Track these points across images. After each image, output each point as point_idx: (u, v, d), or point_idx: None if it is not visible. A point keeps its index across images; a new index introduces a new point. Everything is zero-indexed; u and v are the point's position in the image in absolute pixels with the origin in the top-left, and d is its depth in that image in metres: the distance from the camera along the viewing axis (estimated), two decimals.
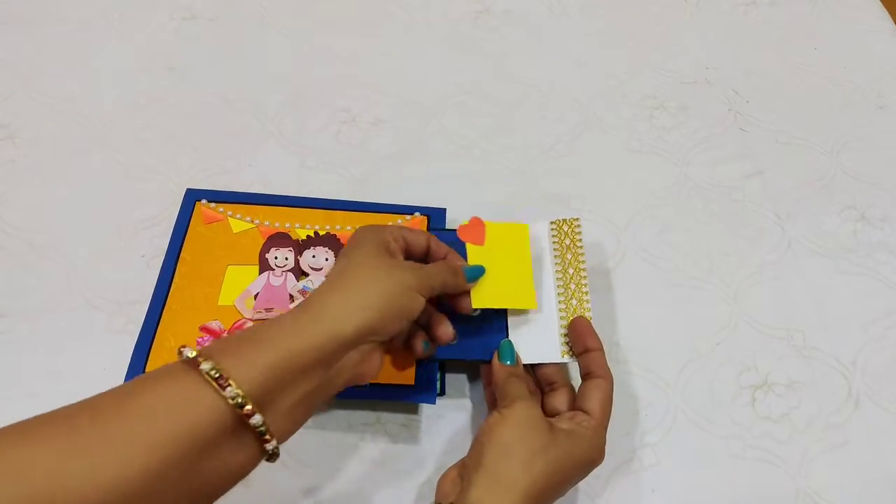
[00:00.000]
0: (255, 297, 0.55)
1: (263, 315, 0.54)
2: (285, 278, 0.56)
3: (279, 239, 0.58)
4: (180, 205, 0.60)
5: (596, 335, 0.51)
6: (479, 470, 0.43)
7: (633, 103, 0.73)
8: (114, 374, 0.52)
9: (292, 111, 0.70)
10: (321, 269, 0.57)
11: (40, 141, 0.67)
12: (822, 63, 0.77)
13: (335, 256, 0.57)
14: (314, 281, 0.56)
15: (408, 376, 0.52)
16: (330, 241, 0.58)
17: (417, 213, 0.61)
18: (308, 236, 0.58)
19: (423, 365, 0.53)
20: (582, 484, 0.51)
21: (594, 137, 0.70)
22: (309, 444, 0.52)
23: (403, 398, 0.52)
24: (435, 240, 0.51)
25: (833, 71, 0.77)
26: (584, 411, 0.47)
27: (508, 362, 0.50)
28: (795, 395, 0.55)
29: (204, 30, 0.77)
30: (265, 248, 0.58)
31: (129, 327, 0.56)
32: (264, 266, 0.57)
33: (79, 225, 0.61)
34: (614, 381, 0.49)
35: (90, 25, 0.76)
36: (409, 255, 0.50)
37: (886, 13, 0.82)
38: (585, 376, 0.50)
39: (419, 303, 0.45)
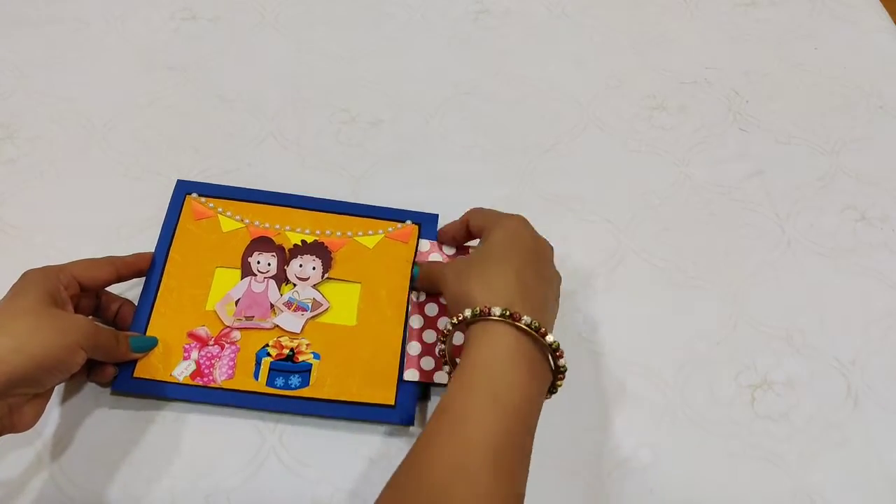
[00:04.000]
0: (237, 302, 0.55)
1: (243, 323, 0.54)
2: (267, 285, 0.55)
3: (262, 243, 0.57)
4: (170, 196, 0.59)
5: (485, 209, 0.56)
6: (456, 299, 0.48)
7: (632, 103, 0.73)
8: None
9: (292, 111, 0.70)
10: (308, 278, 0.56)
11: (40, 141, 0.67)
12: (822, 63, 0.77)
13: (322, 265, 0.57)
14: (300, 291, 0.55)
15: (388, 396, 0.52)
16: (318, 249, 0.57)
17: (409, 222, 0.60)
18: (296, 245, 0.57)
19: (403, 385, 0.53)
20: (582, 484, 0.51)
21: (594, 137, 0.70)
22: (308, 443, 0.52)
23: (381, 419, 0.52)
24: (109, 296, 0.54)
25: (833, 71, 0.77)
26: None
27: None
28: (795, 394, 0.55)
29: (204, 30, 0.77)
30: (248, 252, 0.57)
31: None
32: (246, 270, 0.56)
33: (79, 225, 0.61)
34: (612, 382, 0.51)
35: (90, 25, 0.76)
36: (85, 291, 0.51)
37: (886, 13, 0.82)
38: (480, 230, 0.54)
39: (81, 358, 0.45)
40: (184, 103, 0.71)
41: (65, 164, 0.65)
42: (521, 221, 0.52)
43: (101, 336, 0.47)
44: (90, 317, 0.53)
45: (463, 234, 0.57)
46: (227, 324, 0.54)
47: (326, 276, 0.56)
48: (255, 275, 0.56)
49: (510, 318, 0.44)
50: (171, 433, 0.52)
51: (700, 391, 0.55)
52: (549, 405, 0.48)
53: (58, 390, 0.52)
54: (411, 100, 0.72)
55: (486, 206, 0.61)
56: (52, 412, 0.52)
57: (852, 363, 0.57)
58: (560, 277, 0.53)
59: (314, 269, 0.56)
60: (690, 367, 0.57)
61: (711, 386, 0.56)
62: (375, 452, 0.52)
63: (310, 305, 0.55)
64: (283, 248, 0.57)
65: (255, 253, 0.57)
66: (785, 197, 0.67)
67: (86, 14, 0.77)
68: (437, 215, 0.61)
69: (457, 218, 0.57)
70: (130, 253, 0.55)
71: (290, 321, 0.54)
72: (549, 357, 0.46)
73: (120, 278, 0.53)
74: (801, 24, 0.81)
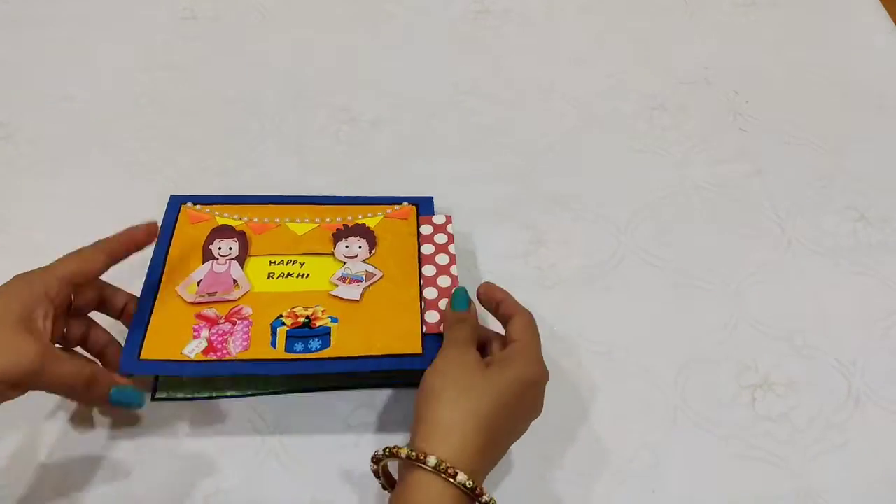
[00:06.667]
0: (198, 283, 0.55)
1: (206, 298, 0.54)
2: (229, 266, 0.56)
3: (222, 231, 0.58)
4: (164, 211, 0.59)
5: (499, 288, 0.52)
6: (417, 421, 0.44)
7: (633, 103, 0.73)
8: None
9: (292, 110, 0.70)
10: (356, 256, 0.57)
11: (40, 141, 0.67)
12: (822, 63, 0.77)
13: (367, 244, 0.58)
14: (351, 268, 0.56)
15: (415, 346, 0.52)
16: (360, 230, 0.59)
17: (405, 203, 0.61)
18: (338, 228, 0.59)
19: (426, 336, 0.52)
20: (582, 484, 0.51)
21: (594, 137, 0.70)
22: (308, 444, 0.52)
23: (410, 366, 0.51)
24: (111, 289, 0.52)
25: (833, 71, 0.77)
26: (512, 341, 0.49)
27: (460, 309, 0.51)
28: (795, 394, 0.55)
29: (204, 29, 0.77)
30: (208, 241, 0.57)
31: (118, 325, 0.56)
32: (207, 256, 0.56)
33: (78, 224, 0.61)
34: (613, 382, 0.50)
35: (90, 25, 0.76)
36: (81, 288, 0.50)
37: (886, 13, 0.82)
38: (506, 320, 0.51)
39: (12, 391, 0.44)
40: (184, 103, 0.71)
41: (64, 164, 0.65)
42: (539, 372, 0.48)
43: (64, 378, 0.45)
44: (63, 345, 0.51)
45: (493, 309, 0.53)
46: (188, 300, 0.54)
47: (374, 251, 0.58)
48: (217, 258, 0.56)
49: (444, 473, 0.41)
50: (171, 433, 0.52)
51: (701, 392, 0.55)
52: (549, 405, 0.48)
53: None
54: (411, 100, 0.72)
55: (486, 207, 0.62)
56: (50, 412, 0.52)
57: (853, 364, 0.57)
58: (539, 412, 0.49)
59: (360, 247, 0.58)
60: (691, 368, 0.56)
61: (712, 386, 0.56)
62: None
63: (363, 276, 0.56)
64: (245, 234, 0.58)
65: (216, 240, 0.57)
66: (785, 197, 0.67)
67: (86, 14, 0.77)
68: (432, 197, 0.61)
69: (458, 216, 0.57)
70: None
71: (348, 291, 0.55)
72: None
73: (115, 261, 0.51)
74: (801, 24, 0.81)
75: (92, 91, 0.71)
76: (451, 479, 0.41)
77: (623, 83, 0.75)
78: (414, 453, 0.42)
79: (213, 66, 0.74)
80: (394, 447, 0.43)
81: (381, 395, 0.54)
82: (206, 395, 0.54)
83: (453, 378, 0.46)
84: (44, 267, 0.48)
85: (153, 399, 0.53)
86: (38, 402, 0.53)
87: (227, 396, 0.54)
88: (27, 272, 0.47)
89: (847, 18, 0.81)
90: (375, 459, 0.45)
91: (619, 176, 0.68)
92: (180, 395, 0.53)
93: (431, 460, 0.41)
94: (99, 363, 0.50)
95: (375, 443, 0.52)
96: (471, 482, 0.41)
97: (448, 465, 0.41)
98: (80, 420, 0.52)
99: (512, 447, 0.47)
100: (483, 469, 0.44)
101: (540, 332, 0.51)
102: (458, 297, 0.51)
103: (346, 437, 0.52)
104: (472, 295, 0.52)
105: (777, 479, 0.52)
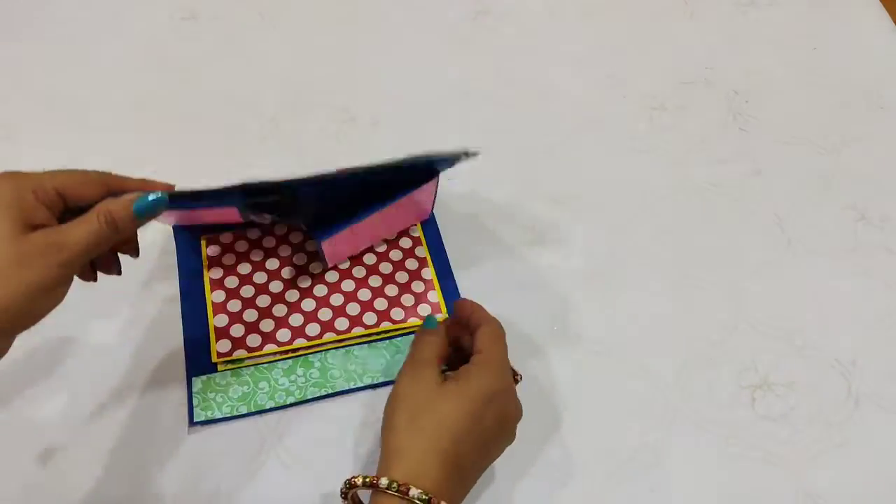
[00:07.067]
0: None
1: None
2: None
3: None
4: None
5: (470, 301, 0.52)
6: (382, 451, 0.45)
7: (633, 103, 0.73)
8: (106, 375, 0.52)
9: (292, 111, 0.70)
10: None
11: (40, 141, 0.67)
12: (822, 63, 0.77)
13: None
14: None
15: None
16: None
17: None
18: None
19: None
20: (581, 483, 0.51)
21: (594, 137, 0.70)
22: (308, 444, 0.52)
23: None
24: (114, 178, 0.44)
25: (833, 71, 0.77)
26: (476, 352, 0.48)
27: (429, 327, 0.51)
28: (795, 394, 0.55)
29: (204, 29, 0.77)
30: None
31: (129, 330, 0.56)
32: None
33: None
34: (612, 382, 0.50)
35: (90, 25, 0.76)
36: (69, 208, 0.42)
37: (886, 13, 0.82)
38: (474, 332, 0.50)
39: (55, 300, 0.40)
40: (184, 103, 0.71)
41: (64, 165, 0.65)
42: (501, 381, 0.47)
43: (78, 242, 0.40)
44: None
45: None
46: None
47: None
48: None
49: (397, 492, 0.41)
50: (172, 433, 0.52)
51: (700, 392, 0.55)
52: (550, 405, 0.48)
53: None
54: (411, 100, 0.72)
55: (486, 207, 0.61)
56: (49, 412, 0.52)
57: (853, 364, 0.57)
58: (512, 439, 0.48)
59: None
60: (691, 368, 0.56)
61: (712, 386, 0.56)
62: (375, 452, 0.52)
63: None
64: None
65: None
66: (785, 197, 0.67)
67: (85, 14, 0.77)
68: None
69: (459, 216, 0.57)
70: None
71: None
72: None
73: (112, 194, 0.43)
74: (801, 24, 0.81)
75: (92, 91, 0.71)
76: (405, 497, 0.41)
77: (623, 83, 0.75)
78: (368, 479, 0.43)
79: (213, 66, 0.74)
80: (352, 477, 0.44)
81: (382, 396, 0.54)
82: (245, 411, 0.53)
83: (406, 404, 0.46)
84: (30, 173, 0.42)
85: (191, 424, 0.52)
86: (35, 400, 0.53)
87: (266, 411, 0.53)
88: (6, 175, 0.41)
89: (847, 18, 0.81)
90: (343, 493, 0.45)
91: (619, 176, 0.68)
92: (219, 415, 0.52)
93: (383, 481, 0.42)
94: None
95: (376, 444, 0.52)
96: (425, 496, 0.41)
97: (400, 483, 0.41)
98: (80, 419, 0.52)
99: (512, 447, 0.47)
100: (449, 487, 0.43)
101: (540, 331, 0.51)
102: (428, 319, 0.52)
103: (347, 438, 0.52)
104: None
105: (777, 479, 0.52)
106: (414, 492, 0.41)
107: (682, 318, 0.59)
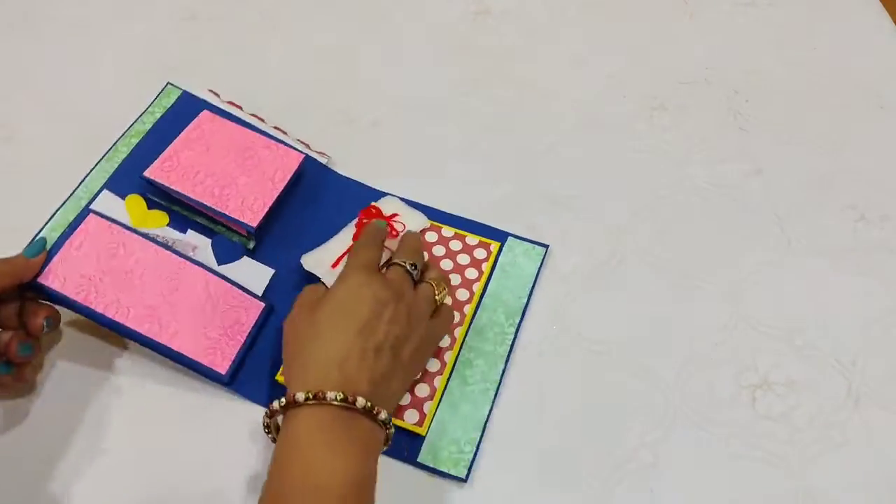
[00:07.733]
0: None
1: None
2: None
3: None
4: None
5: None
6: (287, 376, 0.48)
7: (633, 103, 0.73)
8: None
9: (291, 112, 0.70)
10: None
11: (40, 141, 0.67)
12: (822, 63, 0.77)
13: None
14: None
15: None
16: None
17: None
18: None
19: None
20: (581, 484, 0.51)
21: (594, 137, 0.70)
22: None
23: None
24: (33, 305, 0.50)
25: (833, 71, 0.76)
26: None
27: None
28: (795, 394, 0.55)
29: (204, 30, 0.77)
30: None
31: None
32: None
33: None
34: (612, 382, 0.49)
35: (90, 25, 0.77)
36: None
37: (886, 13, 0.82)
38: None
39: None
40: None
41: (64, 164, 0.65)
42: (355, 278, 0.50)
43: None
44: None
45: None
46: None
47: None
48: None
49: (314, 400, 0.42)
50: (171, 433, 0.52)
51: (700, 392, 0.55)
52: (550, 404, 0.48)
53: (60, 383, 0.53)
54: (411, 100, 0.72)
55: (486, 207, 0.61)
56: (49, 412, 0.52)
57: (853, 363, 0.57)
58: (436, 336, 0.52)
59: None
60: (690, 368, 0.56)
61: (712, 386, 0.56)
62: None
63: None
64: None
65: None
66: (785, 197, 0.67)
67: (85, 14, 0.77)
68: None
69: (456, 217, 0.57)
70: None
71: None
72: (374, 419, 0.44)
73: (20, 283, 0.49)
74: (802, 25, 0.81)
75: (92, 91, 0.71)
76: (323, 402, 0.42)
77: (623, 83, 0.75)
78: (283, 400, 0.44)
79: (213, 66, 0.74)
80: (269, 406, 0.45)
81: None
82: None
83: (294, 328, 0.50)
84: None
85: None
86: (27, 402, 0.53)
87: None
88: None
89: (847, 18, 0.81)
90: (265, 425, 0.46)
91: (619, 176, 0.68)
92: None
93: (300, 395, 0.43)
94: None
95: None
96: (341, 394, 0.42)
97: (316, 391, 0.43)
98: (78, 420, 0.52)
99: (511, 447, 0.47)
100: (362, 382, 0.44)
101: (539, 331, 0.51)
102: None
103: None
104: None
105: (777, 479, 0.52)
106: (331, 395, 0.43)
107: (682, 318, 0.59)
